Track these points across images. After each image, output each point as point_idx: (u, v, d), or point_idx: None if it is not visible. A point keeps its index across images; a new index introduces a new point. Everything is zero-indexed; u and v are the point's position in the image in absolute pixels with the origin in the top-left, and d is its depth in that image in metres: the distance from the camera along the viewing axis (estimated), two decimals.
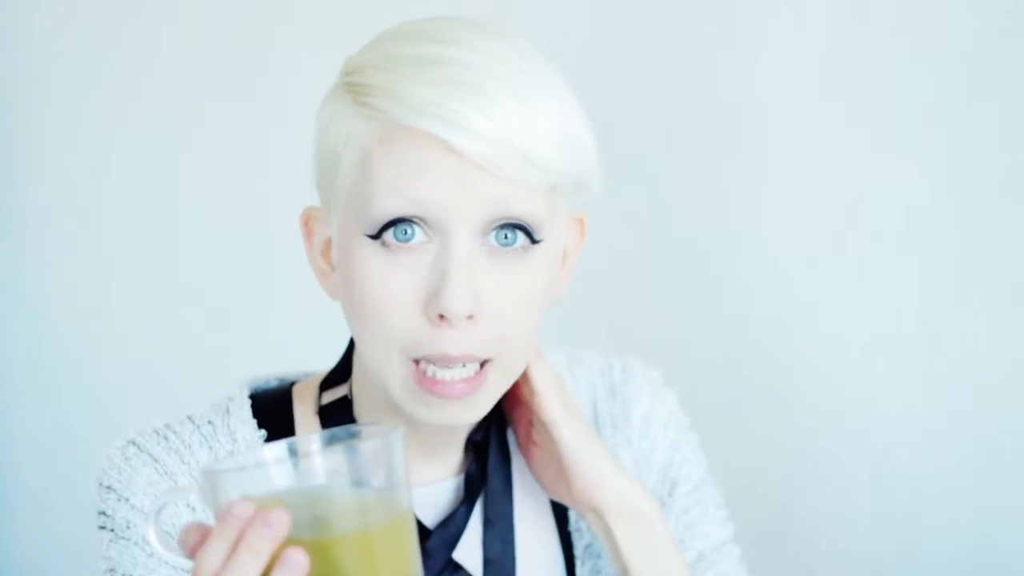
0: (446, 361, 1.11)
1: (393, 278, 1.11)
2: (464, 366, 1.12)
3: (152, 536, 0.98)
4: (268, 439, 1.22)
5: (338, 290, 1.18)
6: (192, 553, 0.94)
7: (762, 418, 2.00)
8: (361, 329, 1.14)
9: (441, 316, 1.09)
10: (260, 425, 1.24)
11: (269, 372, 1.31)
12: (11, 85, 2.29)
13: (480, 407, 1.15)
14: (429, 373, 1.12)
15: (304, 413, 1.26)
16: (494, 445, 1.28)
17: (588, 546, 1.30)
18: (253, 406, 1.26)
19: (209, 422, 1.24)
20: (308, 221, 1.22)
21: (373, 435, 0.97)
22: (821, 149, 1.94)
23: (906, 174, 1.89)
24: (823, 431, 1.97)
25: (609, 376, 1.36)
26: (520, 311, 1.13)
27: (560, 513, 1.31)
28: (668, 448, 1.35)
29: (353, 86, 1.13)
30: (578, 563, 1.30)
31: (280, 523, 0.90)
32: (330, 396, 1.26)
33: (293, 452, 0.98)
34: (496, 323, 1.12)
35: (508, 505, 1.28)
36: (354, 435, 0.99)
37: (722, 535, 1.36)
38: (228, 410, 1.25)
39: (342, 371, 1.26)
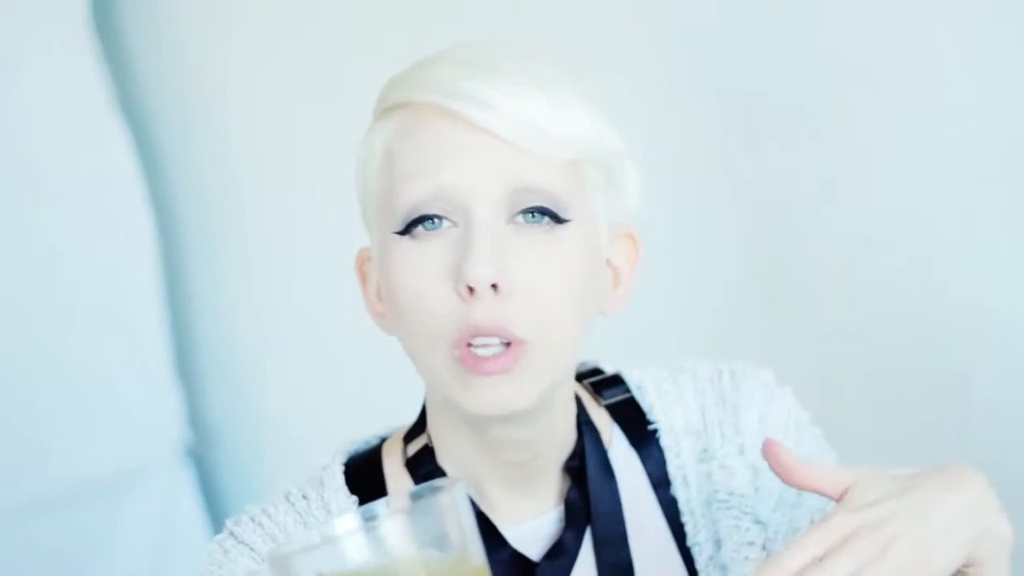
0: (478, 334, 1.10)
1: (423, 266, 1.12)
2: (500, 344, 1.11)
3: None
4: (362, 504, 1.22)
5: (388, 319, 1.19)
6: None
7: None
8: (408, 334, 1.15)
9: (469, 288, 1.10)
10: (353, 491, 1.25)
11: (368, 432, 1.32)
12: None
13: (526, 387, 1.13)
14: (471, 351, 1.11)
15: (393, 469, 1.26)
16: (593, 466, 1.25)
17: (711, 558, 1.27)
18: (347, 472, 1.26)
19: (304, 497, 1.25)
20: (362, 265, 1.24)
21: (436, 494, 0.96)
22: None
23: None
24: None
25: (718, 383, 1.32)
26: (552, 288, 1.13)
27: (676, 527, 1.28)
28: (791, 448, 1.29)
29: (377, 104, 1.18)
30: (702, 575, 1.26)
31: None
32: (415, 447, 1.26)
33: (357, 524, 0.98)
34: (528, 301, 1.12)
35: (620, 526, 1.25)
36: (417, 497, 0.99)
37: None
38: (322, 481, 1.26)
39: (423, 418, 1.26)
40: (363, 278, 1.24)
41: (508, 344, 1.12)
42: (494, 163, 1.12)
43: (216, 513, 2.45)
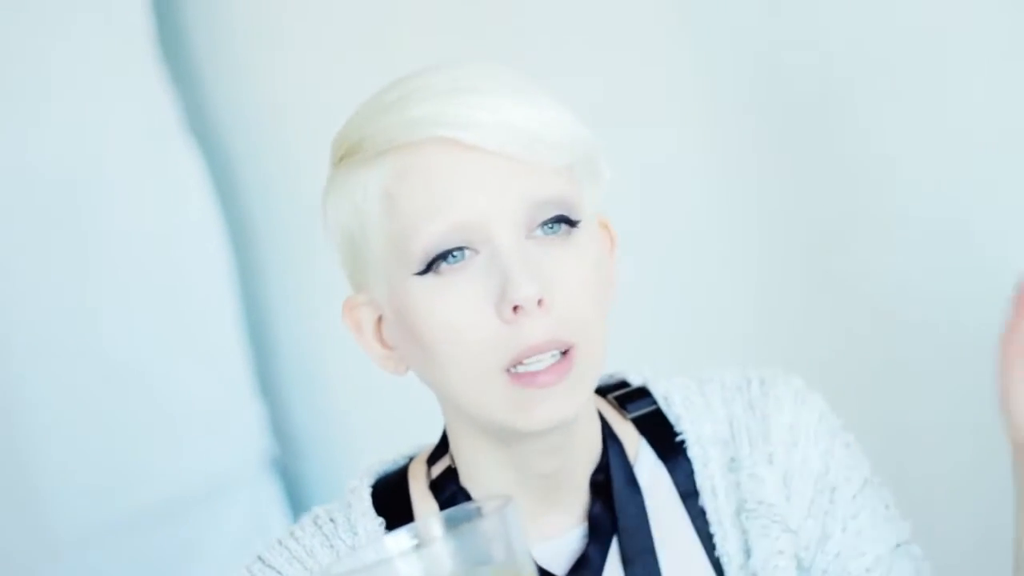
0: (535, 352, 1.12)
1: (456, 297, 1.12)
2: (552, 356, 1.12)
3: None
4: (388, 527, 1.23)
5: (407, 358, 1.19)
6: None
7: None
8: (445, 369, 1.15)
9: (515, 309, 1.10)
10: (379, 512, 1.25)
11: (397, 452, 1.32)
12: None
13: (577, 395, 1.15)
14: (522, 369, 1.12)
15: (419, 491, 1.27)
16: (618, 480, 1.25)
17: (741, 567, 1.25)
18: (374, 494, 1.27)
19: (331, 519, 1.26)
20: (352, 312, 1.22)
21: (487, 513, 0.96)
22: None
23: None
24: None
25: (747, 391, 1.31)
26: (584, 292, 1.14)
27: (706, 538, 1.27)
28: (822, 455, 1.28)
29: (352, 149, 1.17)
30: None
31: None
32: (438, 468, 1.26)
33: (411, 542, 0.98)
34: (568, 307, 1.13)
35: (647, 539, 1.24)
36: (469, 515, 0.98)
37: (898, 536, 1.28)
38: (350, 504, 1.26)
39: (445, 439, 1.26)
40: (357, 326, 1.23)
41: (564, 352, 1.13)
42: (505, 184, 1.12)
43: None
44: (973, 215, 1.88)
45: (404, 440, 2.29)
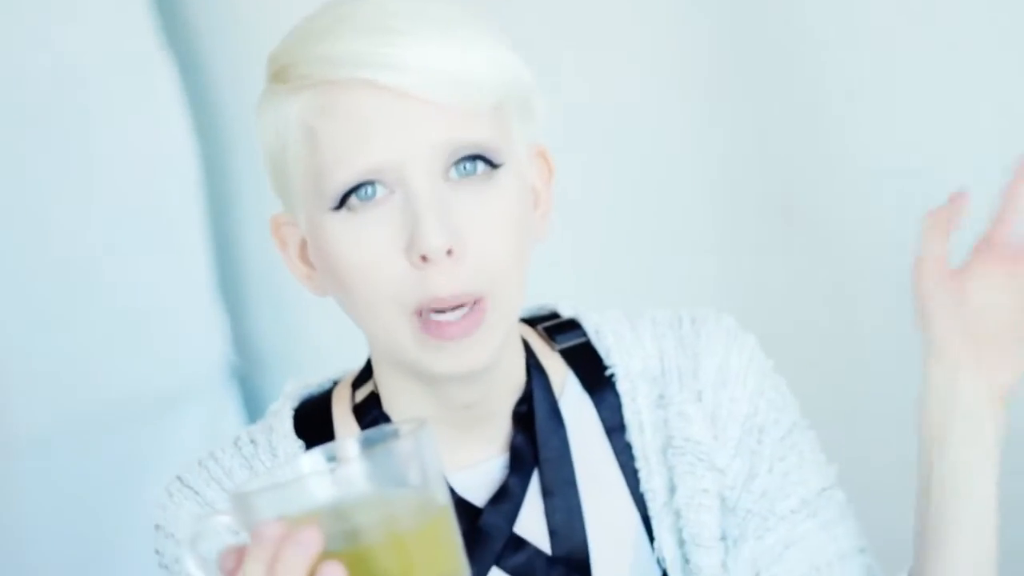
0: (439, 304, 1.11)
1: (368, 236, 1.12)
2: (461, 309, 1.12)
3: (190, 563, 0.98)
4: (308, 449, 1.21)
5: (325, 283, 1.18)
6: None
7: None
8: (355, 303, 1.15)
9: (423, 258, 1.09)
10: (300, 435, 1.25)
11: (321, 376, 1.32)
12: None
13: (488, 345, 1.14)
14: (432, 317, 1.12)
15: (342, 415, 1.27)
16: (542, 412, 1.24)
17: (665, 504, 1.25)
18: (296, 416, 1.26)
19: (252, 441, 1.25)
20: (279, 229, 1.23)
21: (400, 435, 0.96)
22: None
23: None
24: None
25: (678, 328, 1.30)
26: (500, 238, 1.13)
27: (630, 474, 1.26)
28: (751, 396, 1.28)
29: (279, 73, 1.15)
30: (655, 522, 1.25)
31: (312, 541, 0.91)
32: (362, 393, 1.26)
33: (323, 463, 0.99)
34: (480, 256, 1.12)
35: (568, 472, 1.24)
36: (381, 437, 0.98)
37: (823, 481, 1.28)
38: (271, 426, 1.26)
39: (370, 364, 1.26)
40: (282, 243, 1.23)
41: (474, 303, 1.12)
42: (423, 127, 1.10)
43: None
44: (936, 160, 1.87)
45: (364, 353, 2.31)
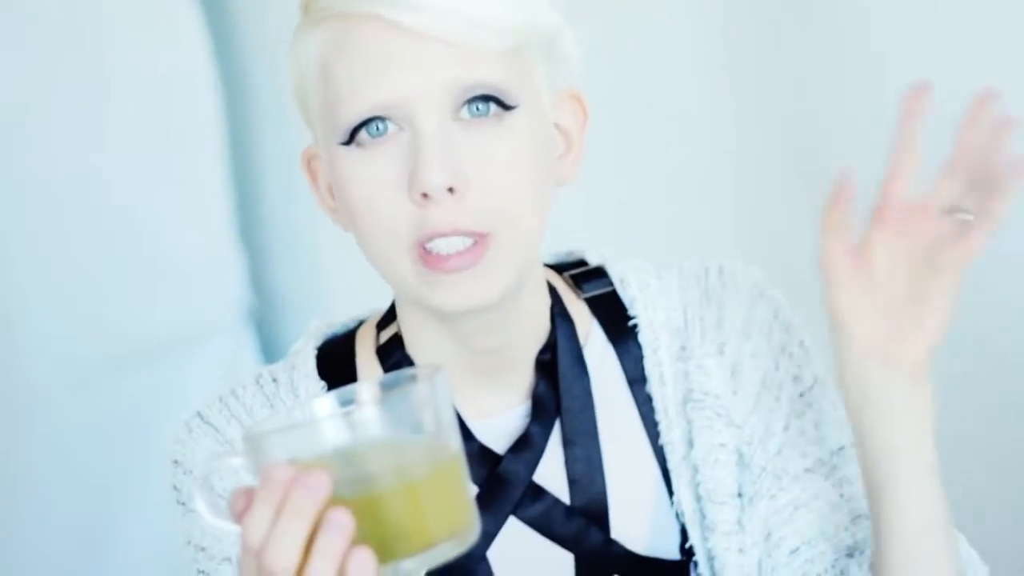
0: (437, 236, 1.11)
1: (373, 172, 1.12)
2: (462, 242, 1.11)
3: (201, 504, 0.98)
4: (330, 390, 1.20)
5: (342, 218, 1.18)
6: (239, 519, 0.94)
7: None
8: (364, 239, 1.15)
9: (424, 195, 1.09)
10: (322, 376, 1.24)
11: (347, 315, 1.32)
12: None
13: (491, 281, 1.13)
14: (431, 250, 1.12)
15: (365, 356, 1.26)
16: (565, 361, 1.23)
17: (683, 458, 1.24)
18: (320, 356, 1.26)
19: (274, 380, 1.25)
20: (310, 162, 1.23)
21: (415, 380, 0.95)
22: None
23: None
24: None
25: (704, 280, 1.29)
26: (510, 177, 1.12)
27: (650, 425, 1.26)
28: (774, 351, 1.26)
29: (303, 8, 1.16)
30: (674, 476, 1.24)
31: (321, 485, 0.90)
32: (386, 334, 1.26)
33: (332, 407, 0.98)
34: (487, 194, 1.11)
35: (590, 422, 1.23)
36: (395, 382, 0.97)
37: (841, 439, 1.26)
38: (294, 365, 1.26)
39: (394, 305, 1.26)
40: (312, 175, 1.23)
41: (475, 239, 1.11)
42: (435, 68, 1.10)
43: None
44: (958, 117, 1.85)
45: (382, 299, 2.30)
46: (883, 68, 1.90)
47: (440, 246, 1.11)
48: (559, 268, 1.29)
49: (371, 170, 1.11)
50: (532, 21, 1.14)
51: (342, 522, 0.89)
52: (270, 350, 2.47)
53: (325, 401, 0.98)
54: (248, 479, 1.08)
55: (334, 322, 1.30)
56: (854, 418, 1.14)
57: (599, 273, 1.29)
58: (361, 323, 1.30)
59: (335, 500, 0.90)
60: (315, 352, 1.26)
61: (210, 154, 2.39)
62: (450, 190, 1.09)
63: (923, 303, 1.07)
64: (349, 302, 2.38)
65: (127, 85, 2.34)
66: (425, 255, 1.11)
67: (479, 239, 1.11)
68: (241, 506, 0.93)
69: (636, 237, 2.03)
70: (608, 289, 1.28)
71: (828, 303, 1.10)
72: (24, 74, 2.27)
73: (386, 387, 0.98)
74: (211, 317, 2.41)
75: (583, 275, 1.29)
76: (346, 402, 0.98)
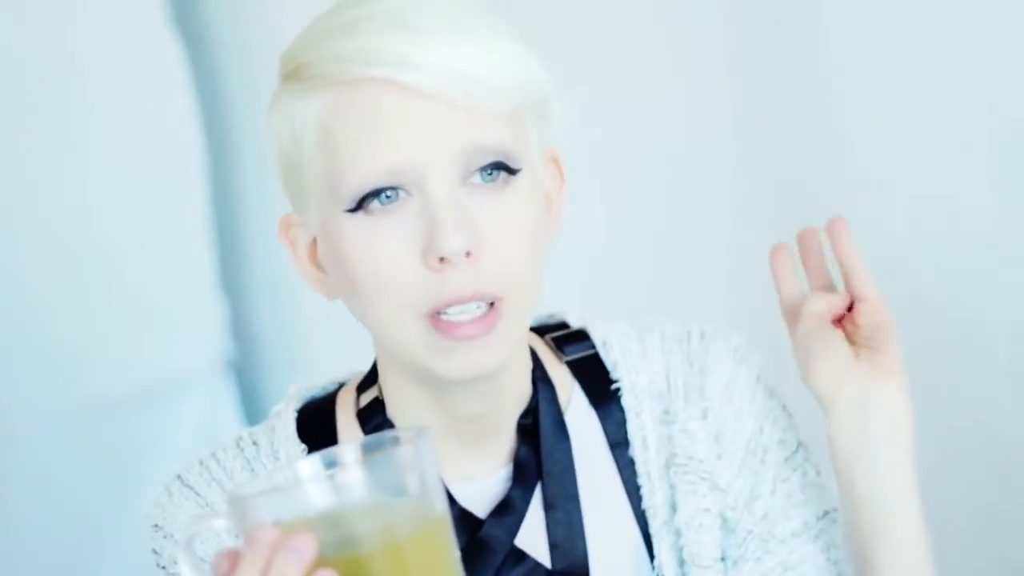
0: (457, 303, 1.10)
1: (384, 239, 1.11)
2: (477, 309, 1.11)
3: (184, 566, 0.97)
4: (310, 453, 1.20)
5: (336, 286, 1.17)
6: None
7: None
8: (368, 307, 1.14)
9: (441, 260, 1.09)
10: (303, 439, 1.24)
11: (327, 377, 1.31)
12: None
13: (500, 348, 1.13)
14: (444, 318, 1.11)
15: (345, 419, 1.26)
16: (547, 425, 1.23)
17: (666, 522, 1.24)
18: (300, 418, 1.26)
19: (254, 443, 1.25)
20: (288, 230, 1.21)
21: (400, 444, 0.95)
22: None
23: None
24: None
25: (687, 343, 1.29)
26: (519, 243, 1.12)
27: (632, 490, 1.25)
28: (757, 415, 1.27)
29: (294, 72, 1.14)
30: (655, 540, 1.24)
31: (307, 548, 0.90)
32: (367, 397, 1.25)
33: (316, 469, 0.97)
34: (497, 258, 1.11)
35: (572, 486, 1.23)
36: (380, 444, 0.97)
37: (825, 504, 1.27)
38: (274, 427, 1.25)
39: (375, 368, 1.25)
40: (292, 243, 1.21)
41: (491, 304, 1.11)
42: (443, 130, 1.09)
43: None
44: (946, 175, 1.87)
45: (364, 353, 2.29)
46: (874, 115, 1.92)
47: (455, 312, 1.11)
48: (540, 331, 1.29)
49: (381, 238, 1.11)
50: (531, 81, 1.13)
51: None
52: (250, 401, 2.46)
53: (309, 463, 0.98)
54: (229, 542, 1.08)
55: (313, 384, 1.30)
56: (845, 478, 1.20)
57: (581, 336, 1.29)
58: (341, 385, 1.29)
59: (320, 562, 0.90)
60: (295, 415, 1.25)
61: (194, 200, 2.37)
62: (467, 254, 1.09)
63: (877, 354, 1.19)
64: (330, 352, 2.40)
65: (111, 130, 2.33)
66: (438, 322, 1.11)
67: (492, 304, 1.11)
68: (225, 568, 0.93)
69: (624, 287, 2.03)
70: (590, 352, 1.28)
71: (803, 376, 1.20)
72: (7, 116, 2.26)
73: (371, 448, 0.97)
74: (191, 365, 2.39)
75: (565, 338, 1.29)
76: (330, 463, 0.97)
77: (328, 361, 2.39)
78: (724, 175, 2.04)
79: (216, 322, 2.41)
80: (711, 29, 2.01)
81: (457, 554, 0.97)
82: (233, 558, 0.92)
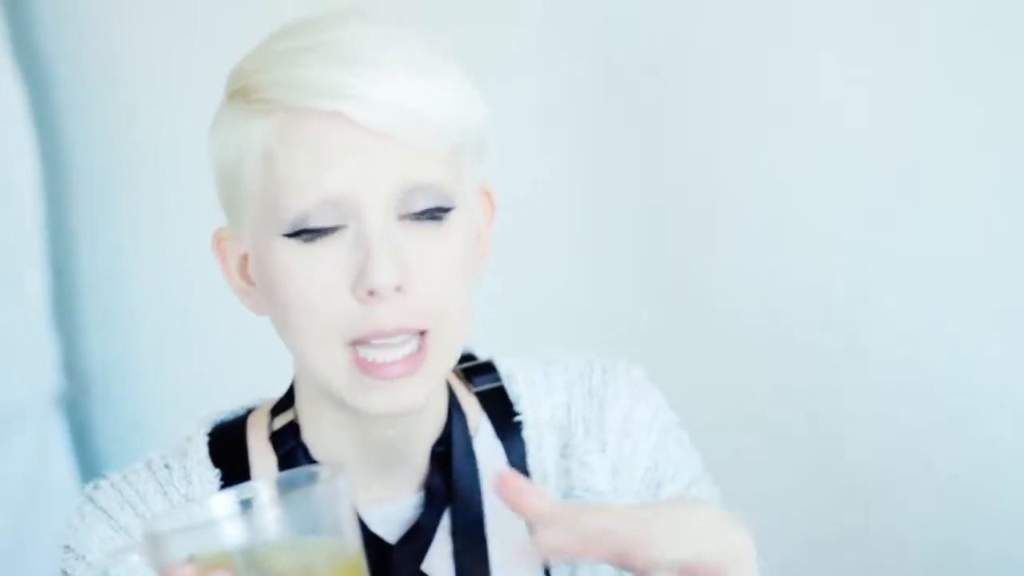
0: (381, 336, 1.12)
1: (316, 267, 1.12)
2: (402, 344, 1.12)
3: None
4: (223, 477, 1.23)
5: (263, 303, 1.18)
6: None
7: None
8: (294, 330, 1.15)
9: (370, 292, 1.10)
10: (216, 463, 1.24)
11: (236, 403, 1.30)
12: None
13: (424, 387, 1.15)
14: (369, 359, 1.13)
15: (258, 444, 1.26)
16: (459, 454, 1.25)
17: None
18: (212, 442, 1.25)
19: (166, 466, 1.24)
20: (220, 243, 1.22)
21: (318, 482, 0.96)
22: None
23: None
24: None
25: (588, 378, 1.32)
26: (448, 279, 1.14)
27: None
28: (652, 449, 1.30)
29: (241, 91, 1.15)
30: (554, 570, 1.26)
31: None
32: (281, 421, 1.26)
33: (237, 505, 0.97)
34: (426, 293, 1.13)
35: (478, 513, 1.25)
36: (300, 481, 0.97)
37: None
38: (185, 452, 1.25)
39: (291, 392, 1.26)
40: (223, 256, 1.22)
41: (421, 333, 1.13)
42: (381, 164, 1.11)
43: (88, 463, 2.41)
44: (799, 205, 1.94)
45: (200, 390, 2.27)
46: (722, 159, 1.99)
47: (379, 345, 1.12)
48: None
49: (314, 265, 1.12)
50: (473, 119, 1.15)
51: None
52: (81, 437, 2.42)
53: (224, 498, 0.98)
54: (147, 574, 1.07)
55: (223, 409, 1.29)
56: None
57: (488, 368, 1.32)
58: (250, 410, 1.29)
59: None
60: (207, 439, 1.25)
61: (27, 233, 2.34)
62: (397, 288, 1.10)
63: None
64: (163, 389, 2.37)
65: None
66: (360, 361, 1.12)
67: (420, 336, 1.13)
68: None
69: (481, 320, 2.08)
70: (496, 384, 1.31)
71: None
72: None
73: (289, 485, 0.97)
74: (21, 400, 2.35)
75: (473, 369, 1.31)
76: (247, 500, 0.97)
77: (160, 399, 2.39)
78: (580, 212, 2.09)
79: (47, 357, 2.37)
80: (563, 69, 2.05)
81: None
82: None
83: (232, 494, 0.98)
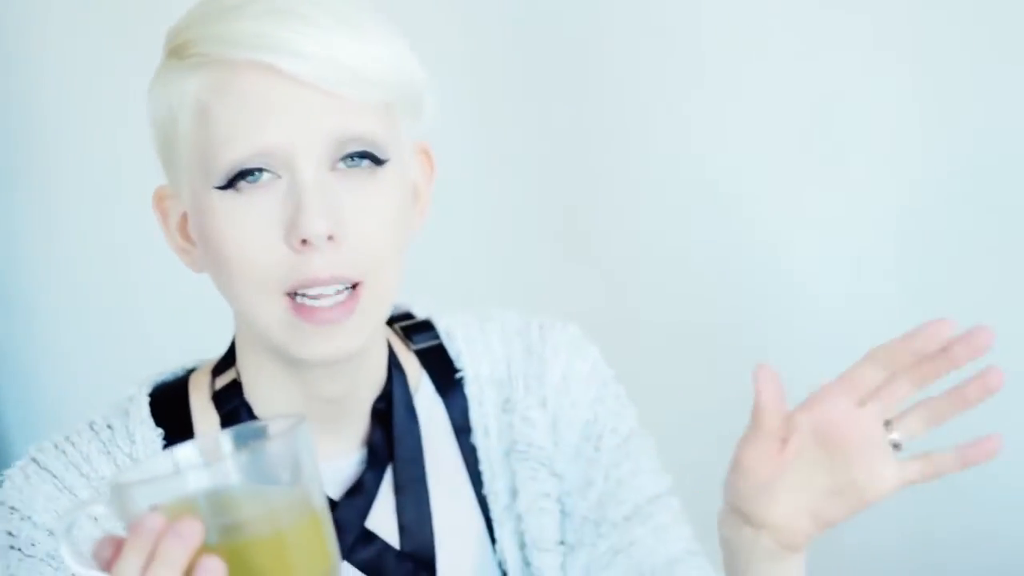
0: (316, 284, 1.12)
1: (250, 217, 1.12)
2: (337, 292, 1.13)
3: (66, 554, 0.95)
4: (166, 437, 1.23)
5: (202, 260, 1.18)
6: (107, 567, 0.92)
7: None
8: (230, 280, 1.15)
9: (304, 241, 1.10)
10: (158, 423, 1.23)
11: (175, 363, 1.30)
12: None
13: (359, 333, 1.15)
14: (307, 305, 1.13)
15: (200, 403, 1.26)
16: (399, 411, 1.26)
17: (507, 507, 1.28)
18: (153, 403, 1.25)
19: (108, 426, 1.23)
20: (161, 202, 1.22)
21: (279, 432, 0.96)
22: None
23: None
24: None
25: (526, 334, 1.33)
26: (381, 229, 1.14)
27: (475, 475, 1.29)
28: (591, 403, 1.32)
29: (177, 47, 1.15)
30: (496, 525, 1.28)
31: (193, 533, 0.89)
32: (223, 380, 1.26)
33: (199, 456, 0.98)
34: (360, 243, 1.13)
35: (420, 470, 1.26)
36: (260, 433, 0.99)
37: (657, 488, 1.32)
38: (127, 411, 1.24)
39: (232, 352, 1.26)
40: (163, 214, 1.22)
41: (351, 287, 1.13)
42: (314, 116, 1.11)
43: None
44: (715, 171, 1.98)
45: (96, 370, 2.23)
46: (638, 134, 2.01)
47: (313, 296, 1.12)
48: (389, 320, 1.31)
49: (247, 216, 1.12)
50: (407, 75, 1.16)
51: (214, 568, 0.89)
52: None
53: (187, 450, 0.98)
54: (97, 530, 1.06)
55: (163, 370, 1.29)
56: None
57: (427, 326, 1.33)
58: (191, 371, 1.29)
59: (204, 548, 0.90)
60: (148, 399, 1.25)
61: None
62: (329, 238, 1.11)
63: (829, 504, 1.07)
64: (62, 369, 2.33)
65: None
66: (297, 307, 1.12)
67: (353, 287, 1.13)
68: (108, 555, 0.92)
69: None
70: (436, 342, 1.32)
71: (733, 488, 1.08)
72: None
73: (252, 436, 0.98)
74: None
75: (412, 327, 1.32)
76: (211, 451, 0.98)
77: (59, 378, 2.35)
78: (490, 191, 2.10)
79: None
80: (481, 41, 2.07)
81: (335, 540, 0.97)
82: (116, 545, 0.92)
83: (190, 447, 0.98)
